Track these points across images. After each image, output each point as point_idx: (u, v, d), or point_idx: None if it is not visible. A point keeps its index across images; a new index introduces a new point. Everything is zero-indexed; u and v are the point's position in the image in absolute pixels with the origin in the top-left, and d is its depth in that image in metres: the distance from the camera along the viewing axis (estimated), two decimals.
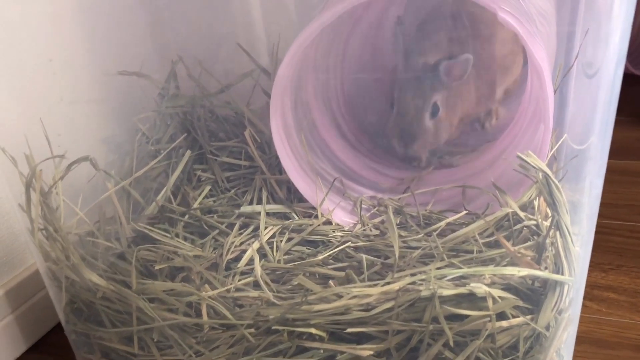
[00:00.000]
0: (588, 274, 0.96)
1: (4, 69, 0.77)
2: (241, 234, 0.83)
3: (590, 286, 0.94)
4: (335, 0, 0.77)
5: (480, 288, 0.61)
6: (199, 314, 0.71)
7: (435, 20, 0.95)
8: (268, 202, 0.88)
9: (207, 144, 0.95)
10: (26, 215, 0.76)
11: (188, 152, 0.91)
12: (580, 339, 0.84)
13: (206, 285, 0.73)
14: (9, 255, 0.93)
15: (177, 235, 0.83)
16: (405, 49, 0.91)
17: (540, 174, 0.63)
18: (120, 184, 0.83)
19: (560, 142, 0.70)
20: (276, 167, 0.90)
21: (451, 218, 0.80)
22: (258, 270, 0.75)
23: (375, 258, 0.76)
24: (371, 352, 0.66)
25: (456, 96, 0.93)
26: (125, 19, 0.96)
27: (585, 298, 0.92)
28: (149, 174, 0.90)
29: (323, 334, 0.67)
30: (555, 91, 0.75)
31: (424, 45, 0.92)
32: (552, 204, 0.62)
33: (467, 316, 0.62)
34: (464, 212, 0.81)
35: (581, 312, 0.88)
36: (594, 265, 0.98)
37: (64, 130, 0.82)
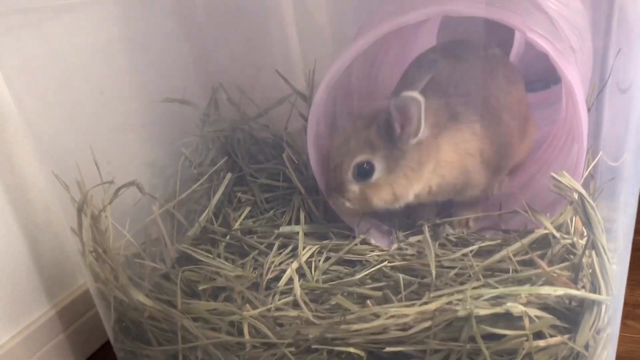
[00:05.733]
0: (631, 293, 0.95)
1: (60, 101, 0.82)
2: (280, 253, 0.85)
3: (632, 305, 0.93)
4: (367, 27, 0.79)
5: (516, 308, 0.61)
6: (241, 333, 0.73)
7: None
8: (306, 222, 0.90)
9: (247, 166, 0.98)
10: (77, 238, 0.80)
11: (229, 175, 0.94)
12: (622, 359, 0.82)
13: (247, 305, 0.75)
14: (61, 275, 0.97)
15: (219, 256, 0.86)
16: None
17: (575, 194, 0.64)
18: (165, 206, 0.87)
19: (595, 161, 0.70)
20: (313, 187, 0.92)
21: (486, 242, 0.80)
22: (297, 290, 0.77)
23: (412, 277, 0.77)
24: None
25: (417, 162, 0.77)
26: (169, 49, 1.00)
27: (627, 317, 0.90)
28: (192, 196, 0.93)
29: (362, 353, 0.68)
30: (589, 109, 0.75)
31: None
32: (587, 223, 0.62)
33: (504, 335, 0.63)
34: (499, 239, 0.80)
35: (623, 332, 0.87)
36: (637, 284, 0.97)
37: (112, 155, 0.86)
